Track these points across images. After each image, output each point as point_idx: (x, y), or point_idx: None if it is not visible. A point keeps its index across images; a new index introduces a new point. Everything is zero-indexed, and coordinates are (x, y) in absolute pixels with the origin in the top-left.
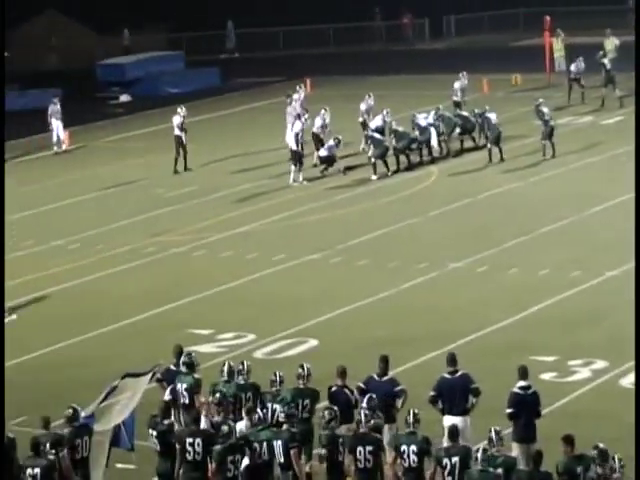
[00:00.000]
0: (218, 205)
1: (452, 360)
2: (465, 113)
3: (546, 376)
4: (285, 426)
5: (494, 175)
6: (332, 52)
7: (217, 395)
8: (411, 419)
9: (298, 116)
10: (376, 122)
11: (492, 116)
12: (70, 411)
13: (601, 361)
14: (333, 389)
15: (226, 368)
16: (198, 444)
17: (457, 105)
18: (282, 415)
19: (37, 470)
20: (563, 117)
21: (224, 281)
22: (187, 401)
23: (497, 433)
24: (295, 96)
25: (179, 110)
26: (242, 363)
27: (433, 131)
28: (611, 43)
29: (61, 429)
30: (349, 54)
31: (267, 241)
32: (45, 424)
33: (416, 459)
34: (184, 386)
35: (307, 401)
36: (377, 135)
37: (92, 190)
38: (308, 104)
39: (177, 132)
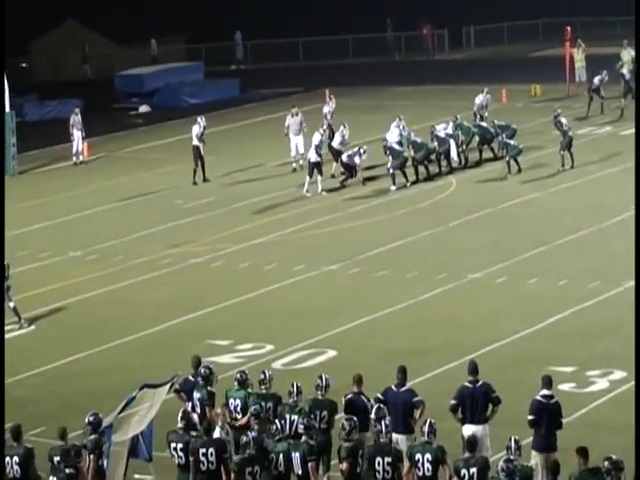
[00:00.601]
0: (236, 216)
1: (474, 369)
2: (484, 124)
3: (565, 387)
4: (304, 438)
5: (513, 185)
6: (351, 63)
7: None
8: (426, 429)
9: (329, 127)
10: (393, 133)
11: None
12: (92, 418)
13: (619, 371)
14: (349, 396)
15: (239, 376)
16: (211, 454)
17: (478, 118)
18: (301, 427)
19: None
20: (582, 128)
21: (242, 292)
22: (199, 411)
23: (516, 442)
24: (326, 108)
25: (199, 120)
26: (264, 372)
27: (452, 142)
28: (628, 54)
29: (81, 438)
30: (368, 65)
31: (285, 252)
32: (62, 435)
33: (430, 468)
34: (197, 396)
35: (325, 412)
36: (396, 146)
37: (111, 201)
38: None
39: (195, 142)
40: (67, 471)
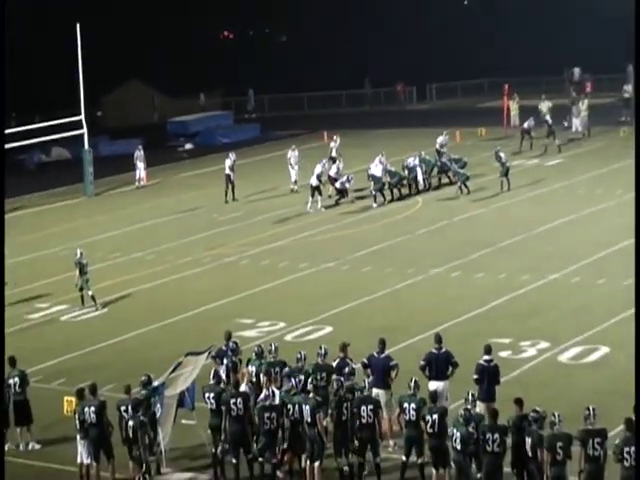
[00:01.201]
0: (258, 226)
1: (439, 339)
2: (443, 159)
3: (503, 354)
4: (311, 394)
5: (464, 203)
6: (344, 112)
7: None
8: (412, 384)
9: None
10: (378, 165)
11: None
12: (144, 378)
13: (544, 342)
14: (336, 361)
15: (256, 349)
16: (240, 402)
17: (438, 153)
18: (310, 386)
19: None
20: (516, 160)
21: (263, 283)
22: (227, 373)
23: (472, 396)
24: (332, 144)
25: (230, 155)
26: (271, 344)
27: (419, 170)
28: (545, 105)
29: (138, 393)
30: (356, 114)
31: (294, 253)
32: (127, 390)
33: (414, 414)
34: (227, 362)
35: (324, 374)
36: (377, 173)
37: (164, 215)
38: (323, 151)
39: (227, 171)
40: (141, 418)
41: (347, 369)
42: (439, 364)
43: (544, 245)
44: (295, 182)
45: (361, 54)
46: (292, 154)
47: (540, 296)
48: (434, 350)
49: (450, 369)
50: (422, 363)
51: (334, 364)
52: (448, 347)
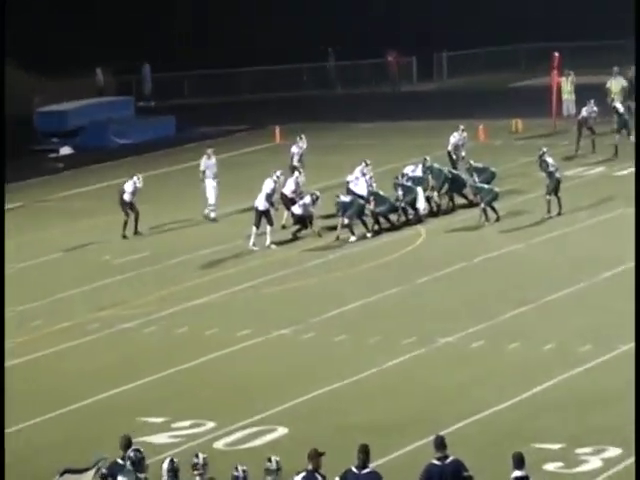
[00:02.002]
0: (172, 274)
1: (441, 444)
2: (455, 171)
3: (551, 466)
4: None
5: (491, 236)
6: (306, 95)
7: None
8: None
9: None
10: (359, 184)
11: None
12: None
13: (614, 448)
14: (302, 475)
15: (166, 465)
16: None
17: (451, 159)
18: None
19: None
20: (571, 168)
21: (180, 361)
22: None
23: None
24: (294, 148)
25: (135, 179)
26: (197, 456)
27: (419, 190)
28: (618, 84)
29: None
30: (325, 98)
31: (229, 315)
32: None
33: None
34: None
35: None
36: (353, 187)
37: (29, 258)
38: (275, 157)
39: (127, 197)
40: None
41: None
42: None
43: (613, 300)
44: (211, 206)
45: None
46: (207, 163)
47: (607, 377)
48: (435, 461)
49: None
50: None
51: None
52: (462, 457)
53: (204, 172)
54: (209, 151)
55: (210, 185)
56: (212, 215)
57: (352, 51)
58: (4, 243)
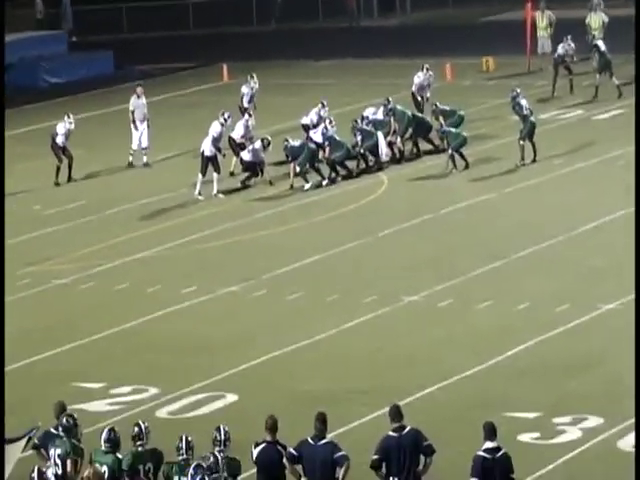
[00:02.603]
0: (110, 225)
1: (396, 413)
2: (420, 114)
3: (526, 437)
4: None
5: (459, 185)
6: (255, 31)
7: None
8: None
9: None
10: (310, 118)
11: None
12: None
13: (595, 417)
14: (261, 446)
15: (104, 435)
16: None
17: (415, 101)
18: None
19: None
20: (547, 111)
21: (119, 321)
22: (60, 471)
23: None
24: (244, 89)
25: (66, 119)
26: (138, 425)
27: (380, 135)
28: (598, 19)
29: None
30: (278, 33)
31: (173, 270)
32: None
33: None
34: (58, 452)
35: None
36: (315, 138)
37: None
38: (222, 98)
39: (60, 140)
40: None
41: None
42: (403, 454)
43: (593, 255)
44: (143, 150)
45: None
46: (137, 103)
47: (587, 340)
48: (392, 433)
49: (423, 460)
50: (375, 457)
51: (254, 450)
52: (427, 429)
53: (133, 112)
54: (138, 90)
55: (140, 128)
56: (144, 159)
57: None
58: (4, 238)
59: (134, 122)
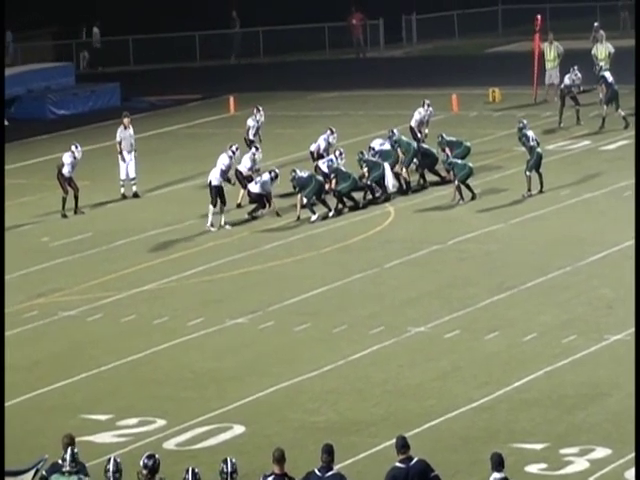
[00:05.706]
0: (118, 257)
1: (403, 445)
2: (426, 145)
3: (533, 468)
4: None
5: (466, 216)
6: (262, 63)
7: None
8: None
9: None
10: (318, 144)
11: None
12: None
13: (602, 448)
14: (269, 479)
15: (111, 466)
16: None
17: (414, 136)
18: None
19: None
20: (553, 142)
21: (126, 353)
22: None
23: None
24: (250, 121)
25: (73, 149)
26: (148, 458)
27: (387, 166)
28: (604, 50)
29: None
30: (285, 65)
31: (181, 302)
32: None
33: None
34: None
35: None
36: (323, 168)
37: None
38: (229, 130)
39: (66, 171)
40: None
41: None
42: None
43: (600, 286)
44: (132, 180)
45: None
46: (124, 134)
47: (594, 371)
48: (399, 464)
49: None
50: None
51: None
52: (435, 460)
53: (120, 143)
54: (125, 121)
55: (127, 158)
56: (134, 189)
57: (314, 14)
58: (4, 238)
59: (121, 153)
